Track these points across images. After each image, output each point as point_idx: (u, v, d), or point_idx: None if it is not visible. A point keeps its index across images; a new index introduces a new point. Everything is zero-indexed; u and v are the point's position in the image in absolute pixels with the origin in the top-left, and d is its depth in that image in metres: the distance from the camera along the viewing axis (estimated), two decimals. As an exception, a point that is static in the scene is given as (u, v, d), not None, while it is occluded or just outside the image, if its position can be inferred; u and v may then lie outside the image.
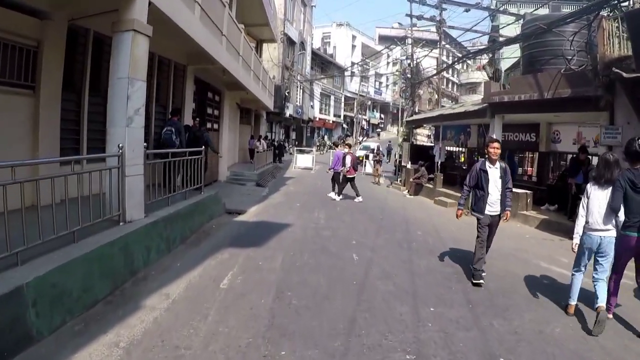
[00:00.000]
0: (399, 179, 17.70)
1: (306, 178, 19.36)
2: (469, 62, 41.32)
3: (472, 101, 15.83)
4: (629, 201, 4.05)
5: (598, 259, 4.26)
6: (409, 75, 19.04)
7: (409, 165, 16.24)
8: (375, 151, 18.98)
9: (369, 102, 55.46)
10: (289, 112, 30.30)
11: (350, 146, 13.21)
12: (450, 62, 26.40)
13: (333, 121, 47.58)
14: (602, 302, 4.07)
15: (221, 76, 12.95)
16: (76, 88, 7.08)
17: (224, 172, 15.50)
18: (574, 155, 10.83)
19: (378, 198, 13.89)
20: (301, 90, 35.62)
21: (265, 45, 26.21)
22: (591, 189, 4.34)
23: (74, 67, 6.98)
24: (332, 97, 47.23)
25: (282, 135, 32.09)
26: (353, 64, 52.41)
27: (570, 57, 9.09)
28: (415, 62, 18.01)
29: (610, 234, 4.19)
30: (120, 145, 5.32)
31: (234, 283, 4.99)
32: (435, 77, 18.55)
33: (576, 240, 4.42)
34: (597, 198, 4.25)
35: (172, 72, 10.35)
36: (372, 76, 57.16)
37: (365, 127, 55.53)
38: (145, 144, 5.89)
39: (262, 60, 22.16)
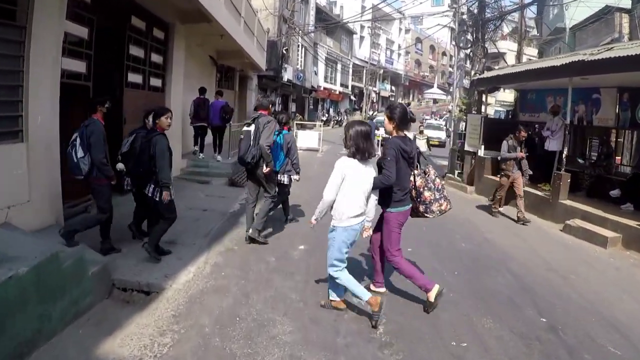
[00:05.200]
0: (456, 173, 11.46)
1: (312, 165, 13.06)
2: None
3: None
4: (399, 172, 3.55)
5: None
6: (464, 17, 12.51)
7: (481, 152, 9.95)
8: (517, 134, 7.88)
9: (381, 71, 48.43)
10: (287, 76, 23.62)
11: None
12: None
13: (340, 92, 40.74)
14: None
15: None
16: None
17: (178, 162, 9.25)
18: None
19: (456, 219, 7.58)
20: (303, 51, 28.76)
21: (256, -14, 19.60)
22: (349, 167, 3.36)
23: None
24: (339, 65, 40.29)
25: (279, 106, 25.55)
26: (362, 26, 45.49)
27: None
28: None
29: (364, 217, 3.51)
30: None
31: None
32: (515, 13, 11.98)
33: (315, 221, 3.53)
34: (360, 176, 3.38)
35: None
36: (382, 43, 50.20)
37: (374, 100, 48.81)
38: None
39: (255, 10, 15.61)
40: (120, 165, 4.95)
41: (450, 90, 53.78)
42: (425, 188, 3.77)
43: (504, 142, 7.62)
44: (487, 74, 10.05)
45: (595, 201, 7.54)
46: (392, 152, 3.53)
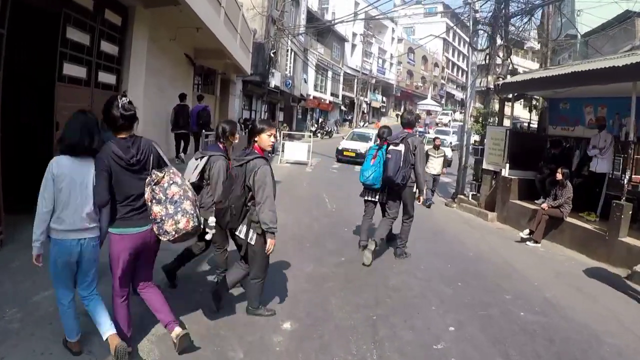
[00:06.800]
0: (470, 194, 9.86)
1: (300, 183, 11.34)
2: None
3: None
4: (118, 184, 2.79)
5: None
6: (477, 15, 11.01)
7: (506, 172, 8.32)
8: None
9: (373, 81, 47.11)
10: (274, 82, 21.89)
11: None
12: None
13: (330, 101, 39.14)
14: (109, 328, 2.73)
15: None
16: None
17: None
18: None
19: (493, 263, 5.89)
20: (292, 56, 27.08)
21: (243, -16, 17.94)
22: (58, 166, 2.68)
23: None
24: (330, 73, 38.72)
25: (265, 114, 23.77)
26: (354, 34, 44.30)
27: None
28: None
29: (94, 234, 2.80)
30: None
31: None
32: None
33: (37, 250, 2.68)
34: (76, 177, 2.71)
35: None
36: (375, 52, 48.95)
37: (365, 111, 47.37)
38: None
39: (240, 4, 13.92)
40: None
41: (442, 102, 52.73)
42: (154, 201, 2.81)
43: None
44: (514, 78, 8.44)
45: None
46: (99, 162, 2.77)
